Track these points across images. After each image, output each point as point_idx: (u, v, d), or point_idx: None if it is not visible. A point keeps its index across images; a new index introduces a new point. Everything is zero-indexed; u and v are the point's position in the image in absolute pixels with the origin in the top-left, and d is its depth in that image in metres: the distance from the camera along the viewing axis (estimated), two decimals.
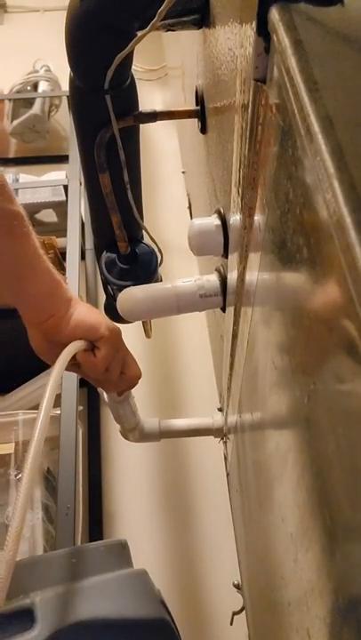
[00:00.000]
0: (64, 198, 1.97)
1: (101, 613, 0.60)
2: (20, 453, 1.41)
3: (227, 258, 0.80)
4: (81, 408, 1.53)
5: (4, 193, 0.66)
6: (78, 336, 0.74)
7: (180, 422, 1.17)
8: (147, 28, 0.76)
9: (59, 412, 1.26)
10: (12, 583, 0.49)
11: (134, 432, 1.07)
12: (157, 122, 1.02)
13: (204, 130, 1.02)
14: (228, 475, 1.24)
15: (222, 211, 0.82)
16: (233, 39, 0.58)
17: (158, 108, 1.04)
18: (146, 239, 1.25)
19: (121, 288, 0.99)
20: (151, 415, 1.16)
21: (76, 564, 0.66)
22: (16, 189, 1.97)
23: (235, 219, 0.65)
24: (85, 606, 0.60)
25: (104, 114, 0.96)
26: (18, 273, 0.70)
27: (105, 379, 0.76)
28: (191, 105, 1.05)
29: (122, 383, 0.79)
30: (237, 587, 1.14)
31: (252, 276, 0.54)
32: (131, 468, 1.63)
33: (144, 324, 1.35)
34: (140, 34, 0.82)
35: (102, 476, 1.63)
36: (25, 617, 0.58)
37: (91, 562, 0.67)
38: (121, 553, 0.71)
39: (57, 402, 1.25)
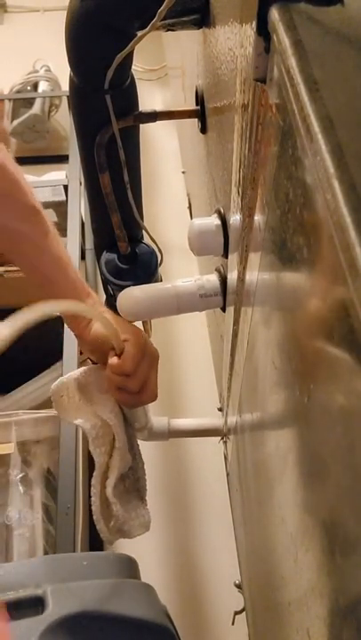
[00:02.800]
0: (64, 198, 1.97)
1: (109, 609, 0.62)
2: (20, 453, 1.41)
3: (227, 258, 0.80)
4: None
5: (20, 187, 0.69)
6: (99, 346, 0.75)
7: (189, 422, 1.17)
8: (147, 28, 0.76)
9: None
10: (24, 576, 0.50)
11: (143, 431, 1.07)
12: (157, 122, 1.02)
13: (204, 130, 1.02)
14: (228, 474, 1.24)
15: (222, 210, 0.82)
16: (233, 39, 0.58)
17: (158, 107, 1.04)
18: (146, 239, 1.25)
19: (121, 288, 0.99)
20: (158, 413, 1.16)
21: (87, 566, 0.68)
22: None
23: (235, 219, 0.65)
24: (94, 600, 0.62)
25: (104, 114, 0.96)
26: (52, 276, 0.74)
27: (127, 385, 0.75)
28: (191, 105, 1.05)
29: (141, 396, 0.78)
30: (238, 586, 1.14)
31: (253, 275, 0.54)
32: None
33: (144, 323, 1.35)
34: (140, 34, 0.82)
35: None
36: (36, 604, 0.61)
37: (101, 567, 0.69)
38: (130, 566, 0.73)
39: None
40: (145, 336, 0.77)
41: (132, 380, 0.74)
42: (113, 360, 0.74)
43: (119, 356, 0.74)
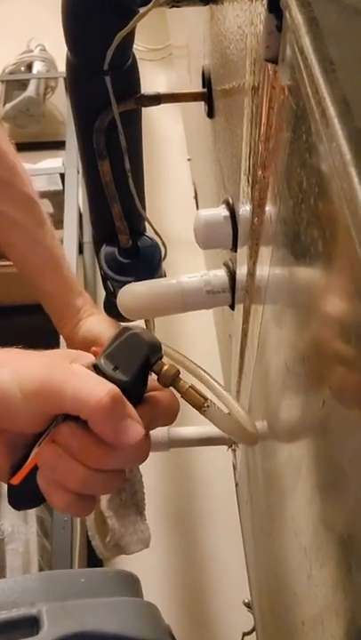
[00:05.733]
0: (60, 187, 1.97)
1: (109, 629, 0.62)
2: None
3: (236, 252, 0.80)
4: None
5: (18, 175, 0.70)
6: (88, 349, 0.75)
7: (192, 430, 1.17)
8: (150, 4, 0.77)
9: None
10: (18, 594, 0.50)
11: None
12: (161, 105, 1.03)
13: (211, 114, 1.02)
14: (237, 485, 1.24)
15: (231, 201, 0.82)
16: (242, 16, 0.58)
17: (162, 90, 1.04)
18: (148, 231, 1.26)
19: (121, 284, 0.99)
20: None
21: (85, 583, 0.67)
22: None
23: (244, 209, 0.65)
24: (91, 620, 0.62)
25: (103, 96, 0.96)
26: (43, 271, 0.74)
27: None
28: (197, 87, 1.05)
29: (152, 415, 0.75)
30: (248, 605, 1.14)
31: (263, 271, 0.54)
32: None
33: (147, 322, 1.35)
34: (142, 10, 0.82)
35: None
36: (30, 624, 0.60)
37: (100, 584, 0.69)
38: (131, 584, 0.73)
39: None
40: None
41: None
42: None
43: None
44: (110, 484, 0.52)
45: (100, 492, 0.57)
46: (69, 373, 0.49)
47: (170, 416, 0.58)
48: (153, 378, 0.57)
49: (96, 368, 0.52)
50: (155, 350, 0.56)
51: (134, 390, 0.53)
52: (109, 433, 0.47)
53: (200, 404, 0.56)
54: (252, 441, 0.60)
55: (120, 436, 0.48)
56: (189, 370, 0.61)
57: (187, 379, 0.57)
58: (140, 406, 0.53)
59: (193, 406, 0.56)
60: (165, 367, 0.57)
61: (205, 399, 0.56)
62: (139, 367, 0.54)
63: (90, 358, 0.54)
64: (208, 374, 0.61)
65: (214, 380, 0.61)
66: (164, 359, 0.58)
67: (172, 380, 0.57)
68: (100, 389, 0.47)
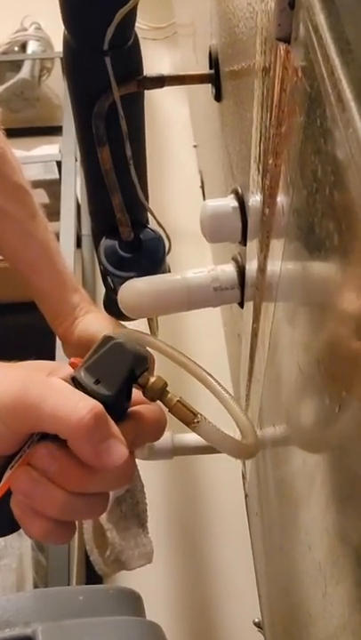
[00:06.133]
0: (57, 176, 1.98)
1: None
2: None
3: (245, 245, 0.80)
4: None
5: (6, 162, 0.70)
6: (84, 349, 0.75)
7: (197, 437, 1.16)
8: None
9: None
10: (11, 613, 0.50)
11: (142, 448, 1.07)
12: (165, 87, 1.03)
13: (218, 97, 1.02)
14: (246, 496, 1.24)
15: (240, 190, 0.82)
16: None
17: (166, 71, 1.05)
18: (152, 223, 1.26)
19: (123, 280, 0.99)
20: None
21: (84, 601, 0.67)
22: None
23: (254, 200, 0.66)
24: None
25: (103, 78, 0.96)
26: (36, 266, 0.73)
27: None
28: (204, 68, 1.05)
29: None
30: (258, 625, 1.14)
31: (275, 266, 0.54)
32: None
33: (149, 321, 1.35)
34: None
35: None
36: None
37: (99, 602, 0.68)
38: (133, 602, 0.72)
39: None
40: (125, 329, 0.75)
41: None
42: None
43: None
44: (93, 508, 0.50)
45: (82, 518, 0.56)
46: (47, 388, 0.47)
47: (156, 433, 0.57)
48: (138, 390, 0.56)
49: (75, 381, 0.51)
50: (140, 361, 0.55)
51: (118, 406, 0.52)
52: (91, 454, 0.46)
53: (190, 420, 0.55)
54: (250, 454, 0.59)
55: (102, 457, 0.46)
56: (188, 368, 0.60)
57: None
58: (124, 422, 0.53)
59: (182, 422, 0.55)
60: (152, 380, 0.55)
61: (195, 414, 0.55)
62: (123, 380, 0.53)
63: (68, 370, 0.53)
64: (208, 374, 0.61)
65: (214, 378, 0.60)
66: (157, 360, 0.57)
67: (159, 394, 0.55)
68: (81, 406, 0.46)
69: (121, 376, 0.53)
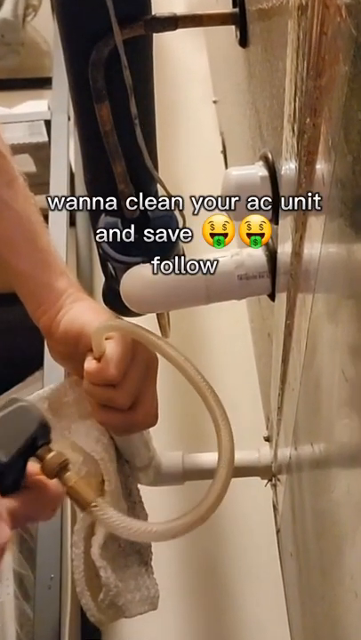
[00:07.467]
0: (46, 139, 1.98)
1: None
2: None
3: (277, 224, 0.80)
4: None
5: None
6: (72, 346, 0.75)
7: (211, 458, 1.17)
8: None
9: None
10: None
11: (147, 471, 1.07)
12: (178, 30, 1.03)
13: (244, 42, 1.02)
14: (278, 532, 1.24)
15: (270, 156, 0.82)
16: None
17: (179, 10, 1.04)
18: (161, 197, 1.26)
19: (126, 266, 0.99)
20: (171, 448, 1.16)
21: None
22: None
23: (288, 168, 0.66)
24: None
25: (102, 19, 0.96)
26: (15, 242, 0.74)
27: (113, 399, 0.75)
28: (226, 6, 1.05)
29: (133, 415, 0.77)
30: None
31: (313, 249, 0.54)
32: None
33: (159, 317, 1.35)
34: None
35: None
36: None
37: None
38: None
39: None
40: (118, 321, 0.76)
41: (119, 392, 0.74)
42: (91, 364, 0.73)
43: (99, 359, 0.73)
44: None
45: None
46: None
47: (55, 507, 0.60)
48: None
49: None
50: (44, 431, 0.58)
51: (10, 476, 0.55)
52: None
53: (86, 504, 0.58)
54: (168, 538, 0.61)
55: None
56: (189, 378, 0.62)
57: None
58: (22, 493, 0.56)
59: (77, 506, 0.59)
60: (51, 454, 0.59)
61: (92, 499, 0.59)
62: (20, 448, 0.56)
63: None
64: (211, 388, 0.62)
65: (215, 395, 0.62)
66: (54, 444, 0.60)
67: (57, 471, 0.59)
68: None
69: (19, 443, 0.56)
